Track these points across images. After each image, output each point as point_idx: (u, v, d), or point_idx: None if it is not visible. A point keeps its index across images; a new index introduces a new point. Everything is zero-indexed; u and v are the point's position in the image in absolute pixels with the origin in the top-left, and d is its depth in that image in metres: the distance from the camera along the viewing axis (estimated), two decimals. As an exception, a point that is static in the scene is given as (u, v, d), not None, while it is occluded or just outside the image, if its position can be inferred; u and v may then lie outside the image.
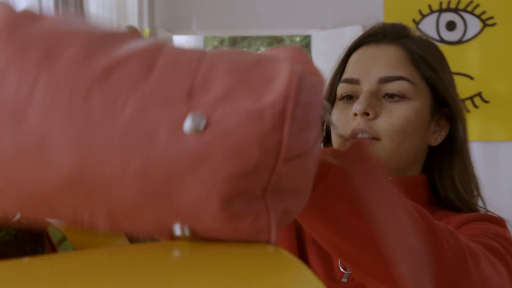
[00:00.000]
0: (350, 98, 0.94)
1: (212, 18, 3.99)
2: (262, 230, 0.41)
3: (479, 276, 0.66)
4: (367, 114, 0.91)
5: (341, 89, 0.95)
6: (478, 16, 3.67)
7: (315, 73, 0.48)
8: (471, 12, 3.68)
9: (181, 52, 0.41)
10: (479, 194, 1.00)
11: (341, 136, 0.91)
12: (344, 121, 0.93)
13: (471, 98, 3.68)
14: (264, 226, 0.41)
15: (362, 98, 0.91)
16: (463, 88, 3.64)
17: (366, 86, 0.93)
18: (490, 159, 3.71)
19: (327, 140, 1.02)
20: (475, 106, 3.67)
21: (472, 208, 0.97)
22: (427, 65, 0.93)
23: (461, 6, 3.69)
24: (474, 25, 3.68)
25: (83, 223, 0.42)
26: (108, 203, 0.40)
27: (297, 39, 10.22)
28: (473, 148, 3.47)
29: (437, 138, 0.97)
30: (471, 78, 3.68)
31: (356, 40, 0.98)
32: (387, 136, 0.90)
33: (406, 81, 0.92)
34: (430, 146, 0.98)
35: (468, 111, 3.68)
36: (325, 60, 4.09)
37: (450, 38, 3.70)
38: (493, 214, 0.91)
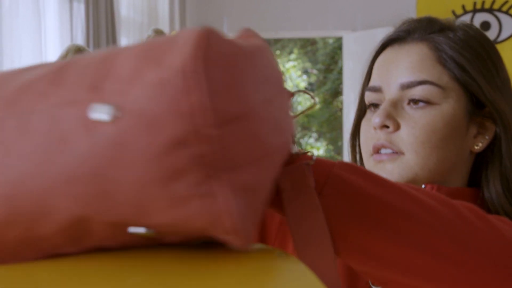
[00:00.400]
0: (376, 106, 0.85)
1: (243, 20, 4.00)
2: (220, 214, 0.37)
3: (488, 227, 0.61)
4: (387, 126, 0.82)
5: (367, 97, 0.87)
6: (513, 16, 3.61)
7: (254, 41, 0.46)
8: (506, 12, 3.62)
9: (93, 55, 0.40)
10: None
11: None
12: (368, 134, 0.85)
13: (506, 99, 3.62)
14: (221, 208, 0.37)
15: (381, 109, 0.83)
16: (497, 89, 3.58)
17: (388, 94, 0.84)
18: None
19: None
20: (510, 108, 3.61)
21: None
22: (456, 63, 0.83)
23: (496, 6, 3.63)
24: (509, 25, 3.62)
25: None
26: (46, 223, 0.39)
27: (330, 40, 10.18)
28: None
29: (479, 143, 0.85)
30: (506, 79, 3.62)
31: (381, 42, 0.88)
32: (411, 149, 0.81)
33: (431, 85, 0.82)
34: (477, 153, 0.86)
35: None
36: (356, 62, 4.06)
37: (484, 39, 3.65)
38: None
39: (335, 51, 9.77)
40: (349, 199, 0.53)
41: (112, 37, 2.34)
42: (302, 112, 0.53)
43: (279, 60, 11.55)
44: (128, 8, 2.88)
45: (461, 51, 0.83)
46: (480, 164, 0.86)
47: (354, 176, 0.54)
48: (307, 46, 10.82)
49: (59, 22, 2.21)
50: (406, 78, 0.83)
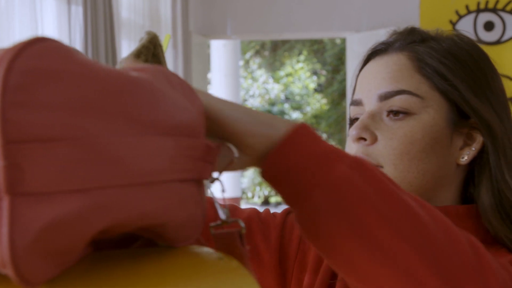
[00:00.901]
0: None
1: (247, 22, 4.01)
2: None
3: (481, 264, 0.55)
4: (364, 139, 0.80)
5: (351, 112, 0.86)
6: (517, 16, 3.59)
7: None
8: (510, 12, 3.60)
9: None
10: None
11: None
12: (349, 148, 0.83)
13: (510, 99, 3.59)
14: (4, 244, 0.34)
15: (358, 121, 0.81)
16: (501, 89, 3.56)
17: (368, 106, 0.82)
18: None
19: None
20: (515, 108, 3.59)
21: None
22: (436, 71, 0.80)
23: (500, 6, 3.61)
24: (513, 25, 3.60)
25: None
26: None
27: (338, 41, 10.15)
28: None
29: (465, 156, 0.82)
30: (510, 79, 3.59)
31: (365, 55, 0.87)
32: (389, 162, 0.79)
33: (409, 94, 0.79)
34: (468, 165, 0.82)
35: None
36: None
37: (488, 39, 3.63)
38: None
39: (342, 52, 9.74)
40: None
41: (111, 40, 2.35)
42: (223, 170, 0.51)
43: (287, 62, 11.53)
44: (129, 11, 2.89)
45: (442, 60, 0.81)
46: (471, 178, 0.83)
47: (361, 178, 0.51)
48: (315, 46, 10.78)
49: (57, 25, 2.22)
50: (384, 88, 0.81)
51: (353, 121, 0.85)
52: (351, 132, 0.81)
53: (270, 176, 0.52)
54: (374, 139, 0.80)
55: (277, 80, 11.93)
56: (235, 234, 0.49)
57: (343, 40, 9.32)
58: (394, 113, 0.80)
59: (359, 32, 3.78)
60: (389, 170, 0.79)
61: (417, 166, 0.79)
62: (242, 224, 0.49)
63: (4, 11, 1.91)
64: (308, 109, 11.70)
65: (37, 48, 0.36)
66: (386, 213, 0.51)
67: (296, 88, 11.80)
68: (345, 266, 0.52)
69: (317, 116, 11.43)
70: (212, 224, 0.50)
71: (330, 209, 0.49)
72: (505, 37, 3.61)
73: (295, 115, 11.61)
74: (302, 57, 11.52)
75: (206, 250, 0.44)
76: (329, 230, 0.50)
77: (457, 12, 3.65)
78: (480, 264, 0.55)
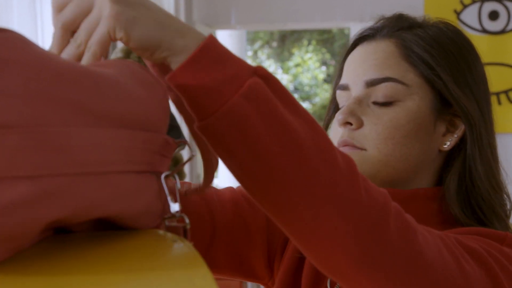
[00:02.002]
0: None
1: (251, 12, 4.00)
2: None
3: (406, 244, 0.60)
4: (350, 124, 0.82)
5: (338, 96, 0.88)
6: (522, 5, 3.56)
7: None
8: (516, 1, 3.58)
9: None
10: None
11: None
12: (334, 129, 0.86)
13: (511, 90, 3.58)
14: None
15: (345, 106, 0.83)
16: (506, 78, 3.54)
17: (354, 91, 0.84)
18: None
19: None
20: (519, 98, 3.57)
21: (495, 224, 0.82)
22: (423, 60, 0.82)
23: (505, -5, 3.59)
24: (518, 14, 3.58)
25: None
26: None
27: (346, 31, 10.12)
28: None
29: (448, 142, 0.84)
30: (515, 68, 3.58)
31: (352, 40, 0.89)
32: (373, 146, 0.81)
33: (394, 82, 0.81)
34: (447, 151, 0.85)
35: (511, 102, 3.58)
36: (364, 53, 4.03)
37: (493, 28, 3.60)
38: (498, 231, 0.77)
39: (350, 42, 9.68)
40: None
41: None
42: (182, 165, 0.52)
43: (296, 52, 11.52)
44: (131, 1, 2.88)
45: (428, 48, 0.83)
46: (449, 164, 0.85)
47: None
48: (324, 34, 10.74)
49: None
50: (371, 75, 0.83)
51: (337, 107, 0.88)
52: (338, 117, 0.83)
53: (176, 88, 0.53)
54: (360, 124, 0.82)
55: (286, 70, 11.91)
56: (180, 229, 0.51)
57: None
58: (379, 99, 0.82)
59: (363, 21, 3.77)
60: (373, 153, 0.81)
61: (400, 150, 0.81)
62: (187, 220, 0.50)
63: (3, 5, 1.92)
64: (317, 99, 11.67)
65: None
66: (272, 148, 0.53)
67: (305, 79, 11.77)
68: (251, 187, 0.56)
69: (326, 107, 11.41)
70: (166, 216, 0.51)
71: (226, 134, 0.52)
72: (510, 26, 3.59)
73: (305, 106, 11.58)
74: (311, 48, 11.49)
75: (162, 232, 0.46)
76: (228, 150, 0.53)
77: (461, 2, 3.63)
78: (352, 177, 0.58)
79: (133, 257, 0.42)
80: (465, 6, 3.62)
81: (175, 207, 0.48)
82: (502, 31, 3.59)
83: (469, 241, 0.71)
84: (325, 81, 11.83)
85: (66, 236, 0.44)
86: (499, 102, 3.58)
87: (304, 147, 0.54)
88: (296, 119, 0.54)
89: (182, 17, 3.49)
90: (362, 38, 0.88)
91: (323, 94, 11.70)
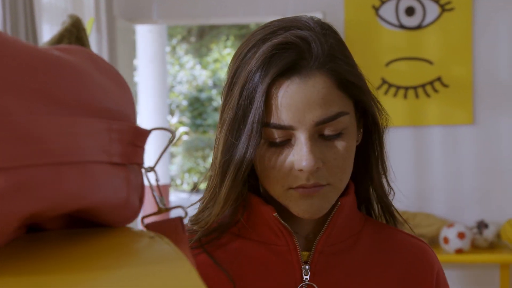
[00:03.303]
0: (284, 141, 0.82)
1: (173, 6, 3.96)
2: None
3: None
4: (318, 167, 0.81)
5: (272, 134, 0.82)
6: (437, 1, 3.69)
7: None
8: (430, -3, 3.71)
9: None
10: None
11: None
12: (283, 171, 0.82)
13: (431, 83, 3.71)
14: None
15: (306, 152, 0.80)
16: (423, 73, 3.67)
17: (304, 131, 0.81)
18: (450, 142, 3.75)
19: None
20: (435, 91, 3.70)
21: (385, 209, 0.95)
22: (350, 83, 0.83)
23: (420, -9, 3.71)
24: (432, 10, 3.71)
25: None
26: None
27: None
28: (434, 132, 3.50)
29: (359, 139, 0.89)
30: (430, 63, 3.71)
31: (271, 72, 0.80)
32: (337, 179, 0.83)
33: (342, 116, 0.82)
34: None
35: (429, 96, 3.71)
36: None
37: (410, 24, 3.73)
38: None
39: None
40: None
41: (32, 25, 2.28)
42: (162, 153, 0.51)
43: (215, 47, 11.49)
44: (50, -6, 2.80)
45: (350, 69, 0.84)
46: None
47: None
48: (243, 30, 10.77)
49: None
50: (321, 116, 0.81)
51: (277, 143, 0.82)
52: (303, 164, 0.80)
53: None
54: (322, 163, 0.82)
55: (204, 66, 11.87)
56: (177, 221, 0.49)
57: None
58: (332, 133, 0.82)
59: (285, 16, 3.81)
60: (336, 185, 0.84)
61: (350, 172, 0.86)
62: (185, 210, 0.49)
63: None
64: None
65: None
66: None
67: (223, 74, 11.74)
68: None
69: (245, 102, 11.43)
70: (145, 214, 0.50)
71: None
72: (426, 22, 3.72)
73: (223, 101, 11.55)
74: (229, 43, 11.50)
75: (138, 230, 0.44)
76: None
77: (379, -3, 3.73)
78: None
79: (112, 254, 0.40)
80: (383, 2, 3.72)
81: (159, 201, 0.47)
82: (418, 27, 3.71)
83: None
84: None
85: (39, 234, 0.42)
86: (416, 96, 3.71)
87: None
88: None
89: (102, 12, 3.41)
90: (289, 70, 0.81)
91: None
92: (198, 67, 11.83)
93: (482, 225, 3.54)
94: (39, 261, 0.39)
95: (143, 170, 0.47)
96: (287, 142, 0.82)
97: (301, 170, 0.80)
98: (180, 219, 0.48)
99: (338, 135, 0.82)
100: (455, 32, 3.69)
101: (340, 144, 0.83)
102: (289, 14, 3.77)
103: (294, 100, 0.80)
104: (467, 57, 3.67)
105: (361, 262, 0.90)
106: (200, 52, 11.83)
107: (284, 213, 0.86)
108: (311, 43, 0.81)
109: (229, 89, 0.86)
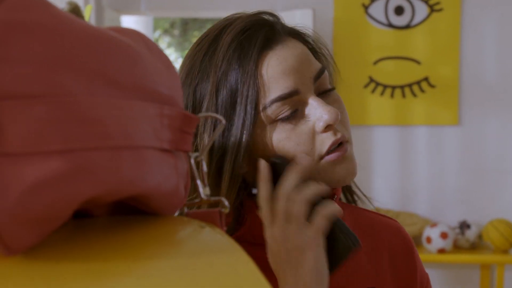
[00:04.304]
0: (293, 113, 0.79)
1: (161, -2, 3.93)
2: None
3: None
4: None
5: (279, 108, 0.78)
6: (426, 2, 3.71)
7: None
8: (419, -2, 3.72)
9: None
10: None
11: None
12: (307, 141, 0.78)
13: (418, 82, 3.72)
14: None
15: (322, 105, 0.78)
16: (410, 72, 3.69)
17: (308, 92, 0.80)
18: (435, 143, 3.77)
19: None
20: (422, 91, 3.72)
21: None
22: (320, 50, 0.88)
23: (409, -9, 3.72)
24: (421, 10, 3.72)
25: None
26: None
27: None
28: (420, 132, 3.50)
29: None
30: (418, 63, 3.73)
31: (255, 51, 0.79)
32: (349, 134, 0.83)
33: (326, 70, 0.84)
34: None
35: (415, 95, 3.73)
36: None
37: (399, 23, 3.74)
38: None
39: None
40: None
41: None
42: (211, 140, 0.50)
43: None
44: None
45: (305, 31, 0.87)
46: None
47: None
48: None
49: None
50: (314, 70, 0.81)
51: (286, 116, 0.79)
52: (329, 117, 0.77)
53: None
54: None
55: (186, 59, 11.77)
56: (216, 213, 0.47)
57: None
58: (329, 87, 0.83)
59: (275, 11, 3.80)
60: (351, 142, 0.83)
61: None
62: (227, 202, 0.48)
63: None
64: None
65: (16, 0, 0.33)
66: None
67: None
68: None
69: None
70: (187, 202, 0.48)
71: None
72: (414, 21, 3.73)
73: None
74: (211, 37, 11.42)
75: (186, 218, 0.43)
76: None
77: (369, -4, 3.73)
78: None
79: (166, 243, 0.39)
80: (372, 1, 3.73)
81: (202, 191, 0.46)
82: (407, 26, 3.73)
83: None
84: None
85: (87, 221, 0.41)
86: (403, 95, 3.72)
87: None
88: None
89: (91, 2, 3.37)
90: (267, 44, 0.80)
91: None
92: (180, 60, 11.77)
93: (464, 226, 3.57)
94: (94, 248, 0.37)
95: (190, 158, 0.46)
96: (296, 114, 0.79)
97: (326, 127, 0.78)
98: (219, 211, 0.47)
99: (332, 90, 0.83)
100: (443, 33, 3.70)
101: (337, 99, 0.83)
102: (279, 9, 3.76)
103: (288, 63, 0.79)
104: (454, 58, 3.70)
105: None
106: (183, 46, 11.75)
107: None
108: (274, 17, 0.84)
109: (195, 88, 0.81)
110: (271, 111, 0.78)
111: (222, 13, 3.85)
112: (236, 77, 0.78)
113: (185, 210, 0.46)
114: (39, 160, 0.33)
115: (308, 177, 0.75)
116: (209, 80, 0.79)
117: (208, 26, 0.91)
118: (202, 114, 0.48)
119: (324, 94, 0.82)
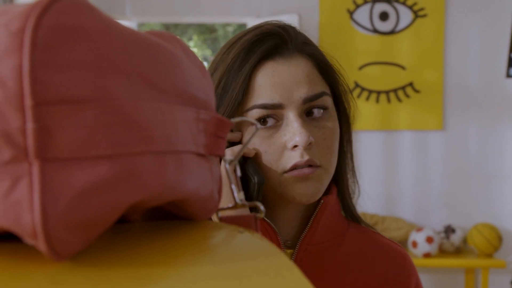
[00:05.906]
0: (274, 123, 0.83)
1: (147, 3, 3.92)
2: (19, 202, 0.31)
3: None
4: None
5: (259, 114, 0.82)
6: (410, 7, 3.74)
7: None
8: (403, 3, 3.75)
9: None
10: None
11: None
12: (276, 153, 0.82)
13: (403, 88, 3.75)
14: (23, 196, 0.31)
15: (298, 127, 0.80)
16: (395, 78, 3.71)
17: (293, 110, 0.82)
18: (420, 148, 3.80)
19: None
20: (407, 96, 3.74)
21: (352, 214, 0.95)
22: (329, 68, 0.87)
23: (394, -3, 3.75)
24: (406, 16, 3.75)
25: None
26: None
27: (230, 29, 10.19)
28: (405, 137, 3.53)
29: None
30: (403, 68, 3.75)
31: (255, 57, 0.83)
32: (327, 161, 0.84)
33: (326, 95, 0.85)
34: None
35: (400, 100, 3.75)
36: (260, 48, 4.05)
37: (383, 29, 3.76)
38: None
39: (236, 38, 9.73)
40: None
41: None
42: (244, 145, 0.50)
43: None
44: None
45: (325, 58, 0.88)
46: None
47: None
48: (207, 32, 10.74)
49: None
50: (307, 92, 0.82)
51: (266, 127, 0.82)
52: (297, 139, 0.80)
53: None
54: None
55: (167, 65, 11.74)
56: (251, 218, 0.47)
57: (238, 27, 9.35)
58: (317, 115, 0.84)
59: (260, 17, 3.80)
60: (326, 167, 0.83)
61: (337, 155, 0.87)
62: (262, 207, 0.48)
63: None
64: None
65: (64, 4, 0.33)
66: None
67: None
68: None
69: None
70: (222, 207, 0.48)
71: None
72: (399, 27, 3.76)
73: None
74: (192, 43, 11.44)
75: (223, 224, 0.43)
76: None
77: (354, 1, 3.75)
78: None
79: (207, 248, 0.39)
80: (357, 6, 3.75)
81: (237, 196, 0.45)
82: (392, 32, 3.75)
83: None
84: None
85: (125, 226, 0.40)
86: (388, 101, 3.74)
87: None
88: None
89: (77, 5, 3.34)
90: (271, 53, 0.84)
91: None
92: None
93: (449, 230, 3.59)
94: (137, 253, 0.37)
95: (224, 163, 0.45)
96: (275, 125, 0.83)
97: (295, 146, 0.81)
98: (254, 216, 0.47)
99: (324, 116, 0.84)
100: (427, 38, 3.74)
101: (327, 125, 0.84)
102: (264, 15, 3.77)
103: (281, 78, 0.82)
104: (439, 63, 3.73)
105: (344, 263, 0.90)
106: (163, 51, 11.71)
107: (268, 212, 0.86)
108: (289, 30, 0.86)
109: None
110: (252, 115, 0.82)
111: (207, 19, 3.84)
112: (234, 74, 0.83)
113: (219, 215, 0.46)
114: (87, 165, 0.32)
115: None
116: (218, 73, 0.85)
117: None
118: (236, 119, 0.48)
119: (312, 117, 0.84)
